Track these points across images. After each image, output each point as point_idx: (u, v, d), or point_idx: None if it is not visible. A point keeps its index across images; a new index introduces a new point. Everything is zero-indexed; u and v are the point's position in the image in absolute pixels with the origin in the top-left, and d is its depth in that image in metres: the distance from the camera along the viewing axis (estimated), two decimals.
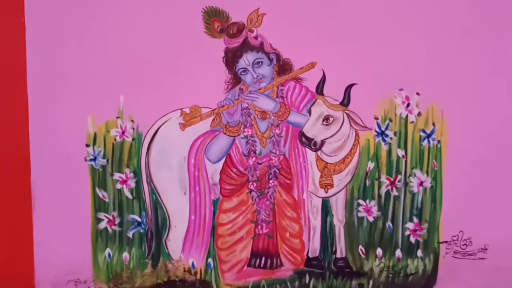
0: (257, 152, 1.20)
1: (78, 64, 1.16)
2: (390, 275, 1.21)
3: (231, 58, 1.16)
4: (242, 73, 1.17)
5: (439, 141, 1.21)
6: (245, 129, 1.19)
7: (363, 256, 1.23)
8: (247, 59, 1.15)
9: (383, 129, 1.21)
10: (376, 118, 1.21)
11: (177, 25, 1.15)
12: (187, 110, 1.17)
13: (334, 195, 1.22)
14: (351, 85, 1.18)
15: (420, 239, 1.24)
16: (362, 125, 1.19)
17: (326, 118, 1.18)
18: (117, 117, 1.18)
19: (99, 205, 1.21)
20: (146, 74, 1.17)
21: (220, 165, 1.21)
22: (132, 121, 1.19)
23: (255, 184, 1.21)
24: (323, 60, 1.17)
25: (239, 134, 1.20)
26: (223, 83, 1.18)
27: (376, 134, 1.21)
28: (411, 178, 1.22)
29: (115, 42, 1.16)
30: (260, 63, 1.16)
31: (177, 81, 1.18)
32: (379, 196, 1.23)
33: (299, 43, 1.16)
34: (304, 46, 1.17)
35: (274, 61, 1.17)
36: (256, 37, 1.15)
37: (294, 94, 1.19)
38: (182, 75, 1.17)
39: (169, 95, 1.18)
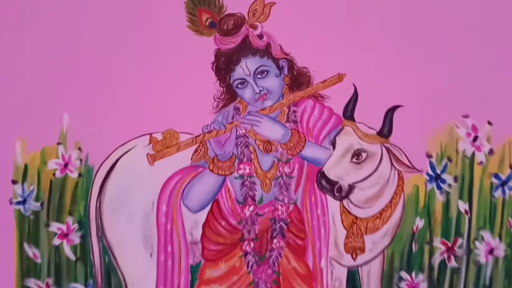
0: (257, 198, 1.07)
1: (2, 66, 1.07)
2: None
3: (224, 65, 1.04)
4: (240, 85, 1.04)
5: None
6: (241, 166, 1.06)
7: None
8: (247, 66, 1.03)
9: (438, 171, 1.09)
10: (429, 156, 1.09)
11: (146, 16, 1.07)
12: (159, 136, 1.05)
13: (365, 263, 1.10)
14: (393, 108, 1.05)
15: None
16: (409, 165, 1.06)
17: (357, 154, 1.05)
18: (58, 143, 1.08)
19: (27, 268, 1.09)
20: (102, 84, 1.07)
21: (203, 215, 1.08)
22: (79, 149, 1.08)
23: (252, 244, 1.07)
24: (354, 71, 1.05)
25: (231, 173, 1.07)
26: (212, 99, 1.06)
27: (428, 178, 1.09)
28: (476, 243, 1.10)
29: (59, 38, 1.07)
30: (265, 72, 1.03)
31: (145, 94, 1.08)
32: (430, 267, 1.10)
33: (321, 46, 1.07)
34: (328, 51, 1.07)
35: (285, 71, 1.05)
36: (260, 36, 1.03)
37: (312, 117, 1.08)
38: (153, 87, 1.07)
39: (134, 114, 1.08)
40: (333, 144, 1.06)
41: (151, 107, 1.08)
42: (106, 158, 1.08)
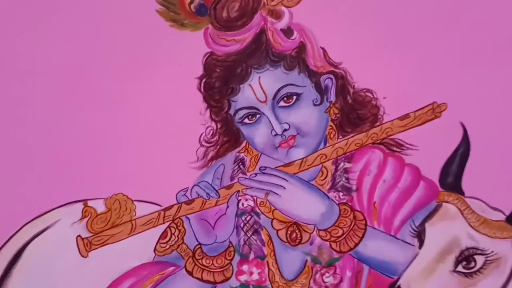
0: None
1: None
2: None
3: (220, 82, 0.78)
4: (247, 120, 0.78)
5: None
6: (244, 267, 0.80)
7: None
8: (262, 86, 0.76)
9: None
10: None
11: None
12: (100, 206, 0.81)
13: None
14: None
15: None
16: None
17: (466, 257, 0.75)
18: None
19: None
20: (8, 116, 0.84)
21: None
22: None
23: None
24: (461, 102, 0.77)
25: (226, 280, 0.79)
26: (196, 142, 0.80)
27: None
28: None
29: None
30: (295, 97, 0.77)
31: (78, 132, 0.83)
32: None
33: (399, 53, 0.80)
34: (411, 62, 0.80)
35: (331, 96, 0.78)
36: (288, 31, 0.76)
37: (380, 183, 0.80)
38: (92, 119, 0.83)
39: (57, 166, 0.83)
40: (420, 235, 0.78)
41: (87, 153, 0.83)
42: (7, 241, 0.83)
